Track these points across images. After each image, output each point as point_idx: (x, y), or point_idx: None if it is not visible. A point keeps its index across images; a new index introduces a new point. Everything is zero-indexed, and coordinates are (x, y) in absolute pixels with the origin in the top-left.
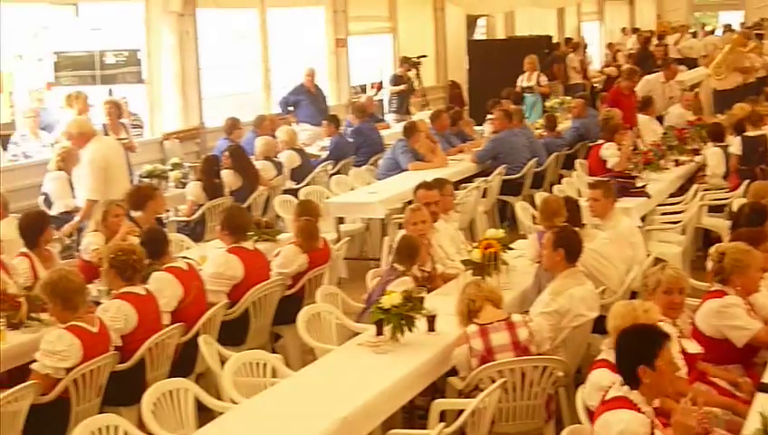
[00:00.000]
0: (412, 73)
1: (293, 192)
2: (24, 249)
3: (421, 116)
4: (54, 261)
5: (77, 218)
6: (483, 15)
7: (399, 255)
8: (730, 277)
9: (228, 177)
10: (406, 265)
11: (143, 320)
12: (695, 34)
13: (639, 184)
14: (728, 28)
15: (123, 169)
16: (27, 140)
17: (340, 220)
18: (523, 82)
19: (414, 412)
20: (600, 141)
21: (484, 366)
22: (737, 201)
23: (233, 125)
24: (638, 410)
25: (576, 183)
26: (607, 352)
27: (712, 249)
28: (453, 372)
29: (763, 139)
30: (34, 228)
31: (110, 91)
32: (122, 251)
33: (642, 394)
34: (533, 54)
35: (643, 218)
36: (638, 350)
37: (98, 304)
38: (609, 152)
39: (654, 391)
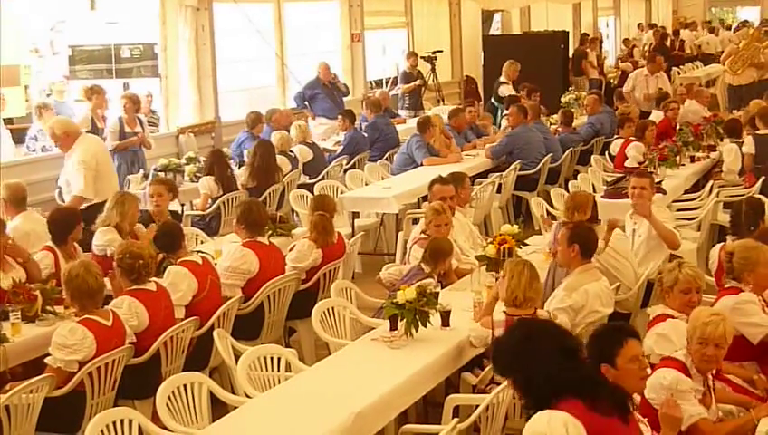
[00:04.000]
0: (425, 68)
1: (308, 187)
2: (50, 243)
3: (436, 111)
4: (78, 258)
5: None
6: (498, 11)
7: (426, 256)
8: (741, 275)
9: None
10: (431, 266)
11: (154, 316)
12: (712, 30)
13: (655, 180)
14: (744, 24)
15: (111, 165)
16: (45, 134)
17: (355, 215)
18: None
19: (428, 407)
20: (631, 137)
21: None
22: None
23: (256, 119)
24: None
25: (591, 179)
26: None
27: (716, 248)
28: (467, 367)
29: None
30: (66, 225)
31: (126, 84)
32: (130, 254)
33: None
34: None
35: None
36: (600, 349)
37: (109, 297)
38: (632, 153)
39: None
